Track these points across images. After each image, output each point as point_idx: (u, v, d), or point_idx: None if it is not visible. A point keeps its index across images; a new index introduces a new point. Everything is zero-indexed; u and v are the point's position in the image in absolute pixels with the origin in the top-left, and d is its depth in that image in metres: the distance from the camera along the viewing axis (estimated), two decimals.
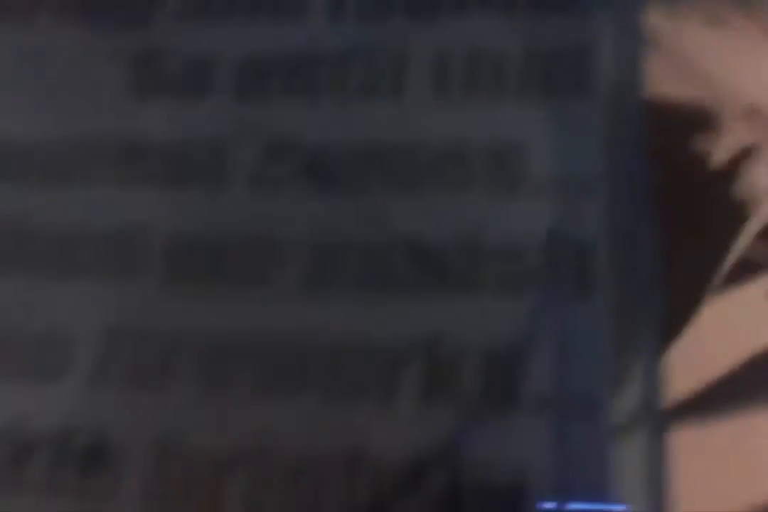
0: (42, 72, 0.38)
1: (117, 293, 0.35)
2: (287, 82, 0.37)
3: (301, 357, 0.34)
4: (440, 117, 0.36)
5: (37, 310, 0.35)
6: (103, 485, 0.33)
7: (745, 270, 0.41)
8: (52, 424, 0.34)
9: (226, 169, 0.36)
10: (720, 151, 0.40)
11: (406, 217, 0.35)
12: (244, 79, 0.37)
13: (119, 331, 0.35)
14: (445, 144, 0.35)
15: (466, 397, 0.33)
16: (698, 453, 0.39)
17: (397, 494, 0.32)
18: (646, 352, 0.33)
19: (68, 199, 0.36)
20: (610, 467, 0.32)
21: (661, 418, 0.33)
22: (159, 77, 0.38)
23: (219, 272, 0.35)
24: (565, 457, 0.32)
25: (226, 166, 0.36)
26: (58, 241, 0.36)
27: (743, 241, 0.40)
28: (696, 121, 0.40)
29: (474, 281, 0.34)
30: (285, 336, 0.34)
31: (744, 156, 0.40)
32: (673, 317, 0.36)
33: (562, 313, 0.33)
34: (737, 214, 0.39)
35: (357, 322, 0.34)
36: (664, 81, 0.39)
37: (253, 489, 0.33)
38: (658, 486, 0.32)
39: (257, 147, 0.36)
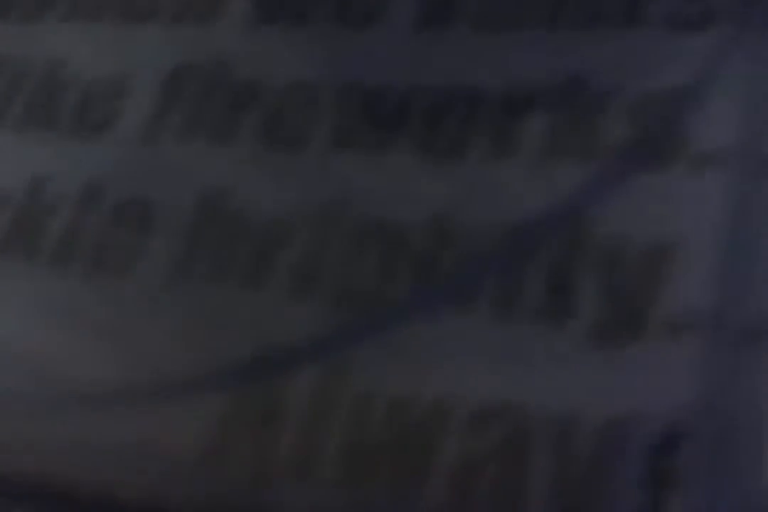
0: None
1: (192, 35, 0.28)
2: None
3: (399, 102, 0.25)
4: None
5: (98, 57, 0.29)
6: (126, 253, 0.26)
7: None
8: (78, 186, 0.27)
9: None
10: None
11: None
12: None
13: (185, 75, 0.27)
14: None
15: (604, 150, 0.23)
16: None
17: (494, 263, 0.23)
18: None
19: None
20: None
21: None
22: None
23: (313, 17, 0.27)
24: (738, 229, 0.22)
25: None
26: None
27: None
28: None
29: (634, 16, 0.25)
30: (381, 82, 0.26)
31: None
32: None
33: (754, 51, 0.24)
34: None
35: (470, 65, 0.25)
36: None
37: (308, 254, 0.24)
38: None
39: None
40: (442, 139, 0.25)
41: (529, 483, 0.21)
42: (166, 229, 0.26)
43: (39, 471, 0.23)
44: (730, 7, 0.24)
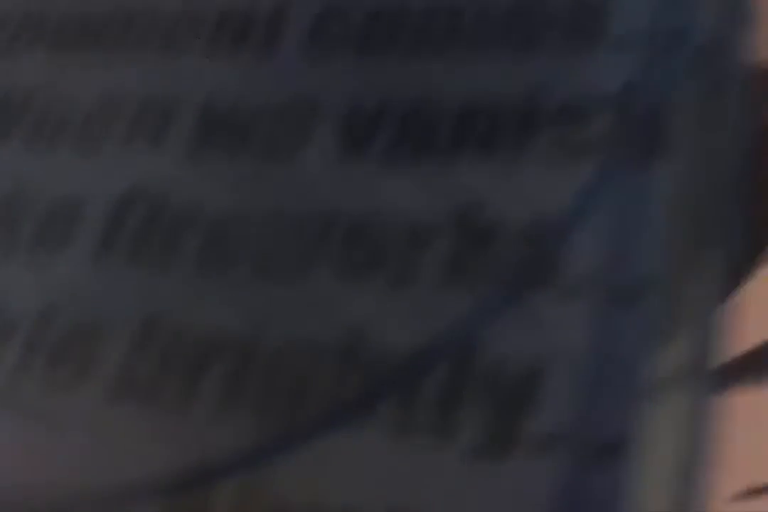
0: None
1: (140, 160, 0.31)
2: None
3: (320, 227, 0.28)
4: None
5: (54, 181, 0.32)
6: (73, 372, 0.29)
7: None
8: (35, 307, 0.30)
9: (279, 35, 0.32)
10: None
11: (459, 76, 0.29)
12: None
13: (133, 199, 0.30)
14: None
15: (494, 277, 0.26)
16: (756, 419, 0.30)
17: (395, 383, 0.26)
18: (710, 271, 0.26)
19: (105, 64, 0.33)
20: (648, 373, 0.24)
21: (714, 376, 0.25)
22: None
23: (247, 148, 0.30)
24: (598, 352, 0.25)
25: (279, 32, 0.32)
26: (93, 107, 0.33)
27: None
28: None
29: (524, 147, 0.27)
30: (304, 210, 0.29)
31: None
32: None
33: (622, 183, 0.26)
34: None
35: (383, 195, 0.28)
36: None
37: (234, 374, 0.27)
38: (701, 455, 0.25)
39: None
40: (355, 263, 0.28)
41: None
42: (113, 348, 0.29)
43: None
44: (605, 140, 0.27)
